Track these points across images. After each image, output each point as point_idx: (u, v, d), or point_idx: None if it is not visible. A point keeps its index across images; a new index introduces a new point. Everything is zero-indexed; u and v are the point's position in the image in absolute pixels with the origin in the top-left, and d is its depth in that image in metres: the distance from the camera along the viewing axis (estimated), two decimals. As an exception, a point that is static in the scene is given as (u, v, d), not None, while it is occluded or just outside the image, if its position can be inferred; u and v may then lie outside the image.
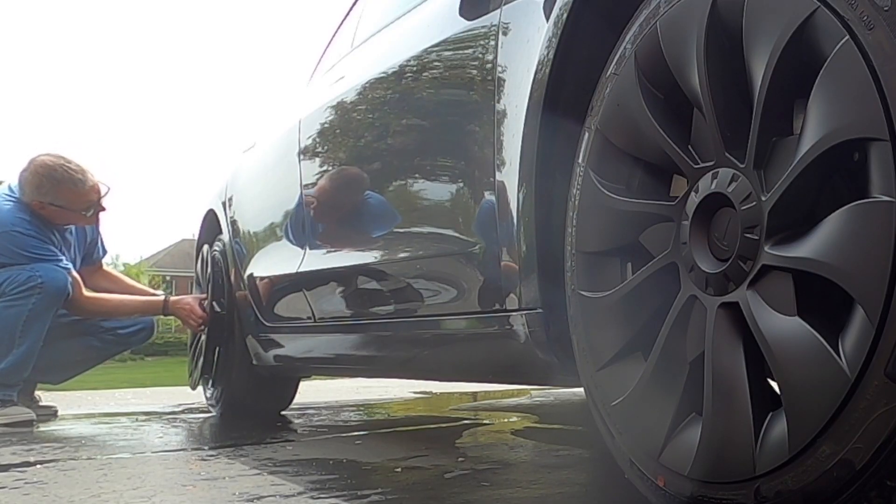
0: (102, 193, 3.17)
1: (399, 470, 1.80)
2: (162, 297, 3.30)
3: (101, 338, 3.35)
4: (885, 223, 0.80)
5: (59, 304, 3.02)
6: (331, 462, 1.93)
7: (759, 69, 0.95)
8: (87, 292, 3.17)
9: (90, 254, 3.43)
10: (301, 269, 2.45)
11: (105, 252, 3.52)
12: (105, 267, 3.57)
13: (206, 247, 3.36)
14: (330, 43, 3.00)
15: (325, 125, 2.37)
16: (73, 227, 3.26)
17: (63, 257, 3.09)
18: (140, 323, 3.43)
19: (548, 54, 1.34)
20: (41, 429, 2.92)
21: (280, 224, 2.73)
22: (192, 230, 3.70)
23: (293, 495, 1.51)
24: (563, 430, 2.68)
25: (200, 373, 3.24)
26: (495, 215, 1.49)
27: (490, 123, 1.51)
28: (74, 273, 3.11)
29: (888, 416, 0.79)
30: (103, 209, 3.21)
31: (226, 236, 3.17)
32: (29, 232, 3.02)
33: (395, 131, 1.98)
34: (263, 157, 2.91)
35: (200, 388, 3.43)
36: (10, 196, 3.10)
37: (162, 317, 3.43)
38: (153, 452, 2.20)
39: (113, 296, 3.32)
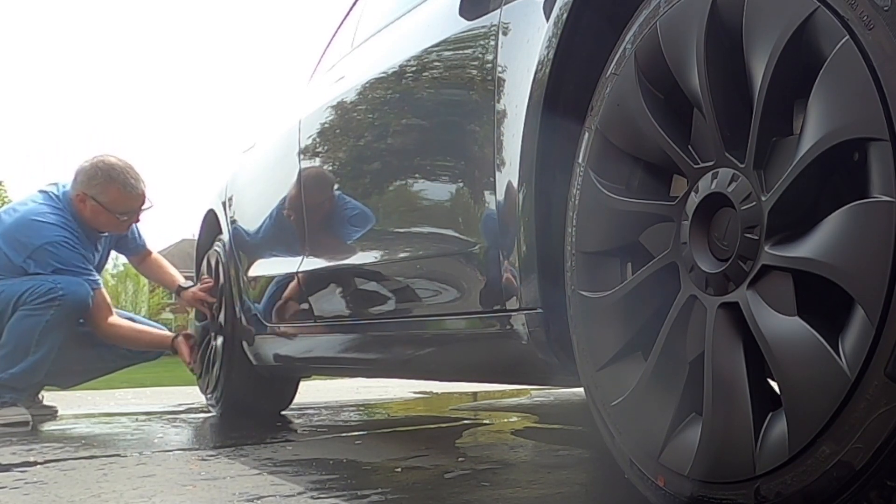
0: (145, 207, 3.27)
1: (399, 470, 1.80)
2: (170, 336, 3.40)
3: (115, 350, 3.39)
4: (885, 223, 0.80)
5: (78, 317, 3.07)
6: (331, 462, 1.92)
7: (759, 69, 0.95)
8: (111, 319, 3.23)
9: (122, 245, 3.49)
10: (301, 269, 2.45)
11: (143, 240, 3.56)
12: (154, 255, 3.63)
13: (213, 254, 3.36)
14: (330, 43, 3.00)
15: (326, 125, 2.37)
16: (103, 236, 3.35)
17: (94, 273, 3.18)
18: None
19: (548, 54, 1.34)
20: (41, 429, 2.92)
21: (280, 224, 2.73)
22: (192, 230, 3.71)
23: (293, 495, 1.51)
24: (563, 430, 2.68)
25: (215, 378, 3.24)
26: (495, 215, 1.49)
27: (490, 123, 1.51)
28: (106, 295, 3.20)
29: (888, 416, 0.79)
30: (138, 220, 3.32)
31: (226, 236, 3.17)
32: (75, 247, 3.10)
33: (395, 131, 1.98)
34: (264, 157, 2.91)
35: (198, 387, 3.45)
36: (57, 203, 3.17)
37: (164, 315, 3.52)
38: (153, 452, 2.20)
39: (130, 326, 3.37)
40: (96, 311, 3.14)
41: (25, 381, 3.00)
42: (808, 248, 0.88)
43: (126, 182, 3.17)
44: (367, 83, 2.11)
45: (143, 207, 3.27)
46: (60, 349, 3.04)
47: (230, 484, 1.65)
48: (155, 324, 3.80)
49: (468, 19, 1.66)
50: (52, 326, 2.97)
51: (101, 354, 3.36)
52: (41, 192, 3.26)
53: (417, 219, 1.86)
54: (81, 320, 3.13)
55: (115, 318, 3.27)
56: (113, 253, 3.62)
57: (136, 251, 3.55)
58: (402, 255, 1.91)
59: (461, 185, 1.67)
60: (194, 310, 3.50)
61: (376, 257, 2.01)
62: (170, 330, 3.65)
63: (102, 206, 3.15)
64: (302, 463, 1.92)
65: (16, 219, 3.13)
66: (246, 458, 2.01)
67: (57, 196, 3.21)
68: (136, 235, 3.52)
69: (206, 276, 3.35)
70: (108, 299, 3.23)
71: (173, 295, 3.65)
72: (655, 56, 1.13)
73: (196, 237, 3.66)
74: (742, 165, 0.99)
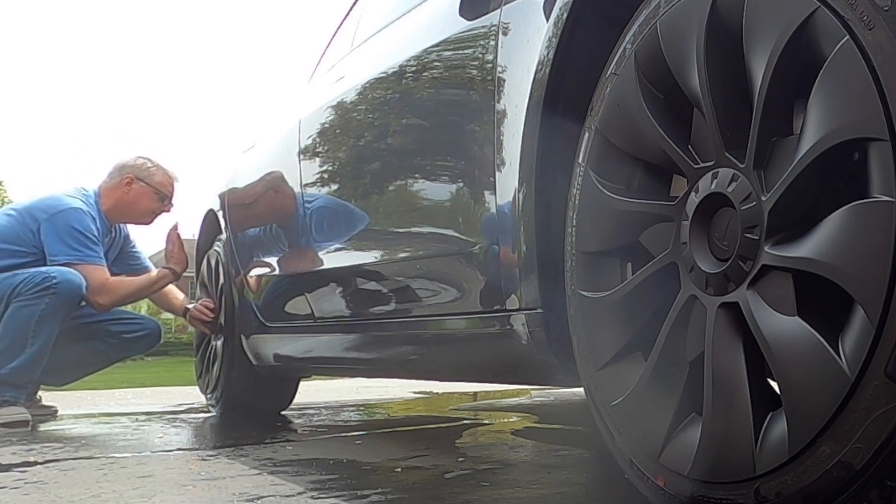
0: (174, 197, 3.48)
1: (399, 470, 1.80)
2: (166, 270, 3.37)
3: (107, 342, 3.38)
4: (885, 223, 0.80)
5: (73, 305, 3.07)
6: (331, 462, 1.93)
7: (759, 69, 0.95)
8: (109, 281, 3.22)
9: (122, 262, 3.50)
10: (301, 269, 2.45)
11: (148, 263, 3.61)
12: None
13: (213, 254, 3.36)
14: (330, 43, 3.00)
15: (326, 125, 2.37)
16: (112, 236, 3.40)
17: (102, 255, 3.22)
18: (145, 329, 3.47)
19: (548, 54, 1.34)
20: (41, 429, 2.92)
21: (280, 224, 2.73)
22: (193, 230, 3.71)
23: (293, 495, 1.51)
24: (563, 430, 2.68)
25: (215, 378, 3.23)
26: (495, 215, 1.49)
27: (490, 123, 1.51)
28: (107, 272, 3.20)
29: (888, 416, 0.79)
30: (168, 210, 3.46)
31: (226, 236, 3.17)
32: (92, 220, 3.18)
33: (395, 131, 1.98)
34: (264, 157, 2.91)
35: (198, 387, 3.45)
36: (83, 197, 3.26)
37: (164, 314, 3.51)
38: (153, 452, 2.20)
39: (130, 279, 3.37)
40: (98, 289, 3.15)
41: (26, 374, 3.00)
42: (809, 248, 0.88)
43: (168, 171, 3.45)
44: (367, 83, 2.11)
45: (174, 196, 3.46)
46: (54, 345, 3.04)
47: (230, 484, 1.65)
48: (138, 315, 3.80)
49: (468, 19, 1.66)
50: (48, 315, 2.97)
51: (95, 347, 3.35)
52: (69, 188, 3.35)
53: (417, 219, 1.86)
54: (82, 303, 3.14)
55: (111, 280, 3.25)
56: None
57: (140, 271, 3.54)
58: (402, 255, 1.91)
59: (461, 185, 1.67)
60: None
61: (376, 257, 2.01)
62: (168, 330, 3.63)
63: (152, 186, 3.36)
64: (302, 463, 1.92)
65: (40, 197, 3.26)
66: (246, 458, 2.01)
67: (85, 194, 3.29)
68: (140, 256, 3.58)
69: (206, 299, 3.35)
70: (107, 272, 3.23)
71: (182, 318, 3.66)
72: (655, 56, 1.13)
73: (196, 237, 3.66)
74: (742, 165, 0.99)
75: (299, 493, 1.53)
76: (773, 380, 0.94)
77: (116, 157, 3.51)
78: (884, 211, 0.80)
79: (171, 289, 3.57)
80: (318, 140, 2.41)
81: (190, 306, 3.37)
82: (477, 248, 1.58)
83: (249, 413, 3.10)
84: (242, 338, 2.99)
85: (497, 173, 1.48)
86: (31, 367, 2.99)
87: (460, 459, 1.91)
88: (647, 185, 1.20)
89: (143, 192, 3.35)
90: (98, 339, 3.34)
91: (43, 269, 3.02)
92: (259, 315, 2.83)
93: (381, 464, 1.91)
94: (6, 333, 2.97)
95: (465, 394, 4.26)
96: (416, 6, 2.05)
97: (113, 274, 3.33)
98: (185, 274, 3.43)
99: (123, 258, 3.49)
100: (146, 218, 3.43)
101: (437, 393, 4.42)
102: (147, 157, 3.45)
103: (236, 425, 2.89)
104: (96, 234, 3.19)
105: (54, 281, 2.97)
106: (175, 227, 3.39)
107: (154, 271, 3.54)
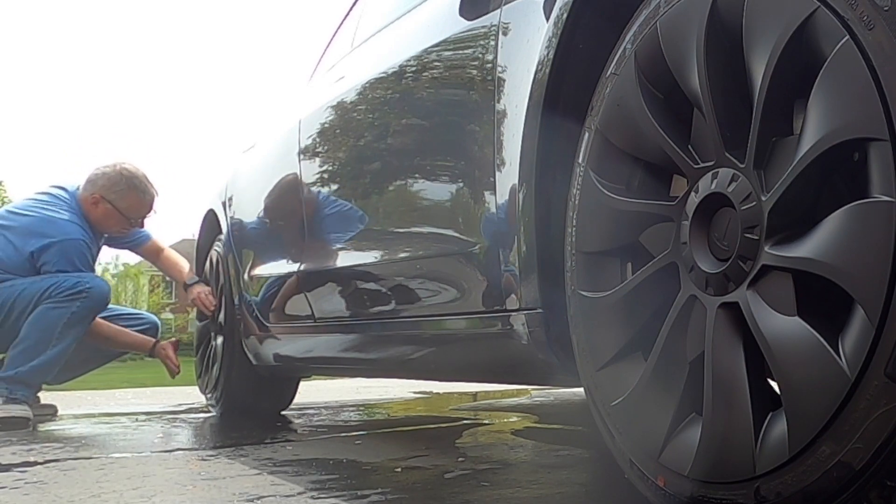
0: (151, 214, 3.42)
1: (399, 470, 1.80)
2: (151, 341, 3.44)
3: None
4: (885, 223, 0.80)
5: (99, 312, 3.11)
6: (331, 462, 1.93)
7: (759, 69, 0.95)
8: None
9: (117, 240, 3.52)
10: (301, 269, 2.45)
11: (144, 233, 3.58)
12: (167, 250, 3.64)
13: (214, 254, 3.35)
14: (330, 43, 3.00)
15: (326, 125, 2.37)
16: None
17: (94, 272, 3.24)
18: (144, 323, 3.48)
19: (548, 54, 1.34)
20: (41, 429, 2.92)
21: (280, 224, 2.73)
22: (193, 230, 3.72)
23: (293, 495, 1.51)
24: (563, 430, 2.68)
25: (215, 378, 3.23)
26: (495, 215, 1.49)
27: (490, 123, 1.51)
28: None
29: (888, 416, 0.79)
30: (142, 226, 3.45)
31: (225, 236, 3.17)
32: (90, 246, 3.19)
33: (395, 131, 1.99)
34: (264, 157, 2.91)
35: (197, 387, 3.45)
36: (66, 204, 3.24)
37: (164, 314, 3.54)
38: (153, 452, 2.20)
39: (108, 325, 3.35)
40: None
41: (42, 375, 3.02)
42: (809, 248, 0.88)
43: (145, 191, 3.32)
44: (367, 83, 2.11)
45: (149, 214, 3.40)
46: None
47: (230, 484, 1.65)
48: (137, 311, 3.80)
49: (468, 19, 1.66)
50: (76, 319, 2.99)
51: (95, 344, 3.35)
52: (46, 193, 3.30)
53: (417, 219, 1.86)
54: None
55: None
56: (114, 252, 3.65)
57: (138, 244, 3.55)
58: (402, 255, 1.91)
59: (461, 185, 1.67)
60: (195, 309, 3.50)
61: (376, 257, 2.01)
62: (168, 330, 3.65)
63: (118, 210, 3.27)
64: (302, 463, 1.92)
65: (33, 217, 3.19)
66: (246, 458, 2.01)
67: (65, 198, 3.27)
68: (137, 230, 3.55)
69: (207, 274, 3.36)
70: None
71: (173, 294, 3.66)
72: (655, 56, 1.13)
73: (196, 237, 3.66)
74: (742, 165, 0.99)
75: (299, 493, 1.53)
76: (773, 380, 0.94)
77: (116, 157, 3.45)
78: (884, 211, 0.80)
79: (175, 256, 3.58)
80: (318, 140, 2.41)
81: (197, 288, 3.36)
82: (477, 248, 1.58)
83: (249, 413, 3.10)
84: (242, 338, 2.99)
85: (497, 173, 1.48)
86: (48, 368, 3.01)
87: (460, 459, 1.91)
88: (647, 185, 1.20)
89: (109, 212, 3.27)
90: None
91: (74, 273, 3.03)
92: (259, 315, 2.83)
93: (381, 464, 1.91)
94: (31, 333, 2.97)
95: (465, 394, 4.26)
96: (416, 6, 2.05)
97: (110, 245, 3.43)
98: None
99: (117, 236, 3.49)
100: (117, 233, 3.40)
101: (437, 393, 4.43)
102: (123, 171, 3.29)
103: (236, 425, 2.89)
104: (91, 257, 3.20)
105: (87, 286, 3.00)
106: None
107: (150, 241, 3.56)
